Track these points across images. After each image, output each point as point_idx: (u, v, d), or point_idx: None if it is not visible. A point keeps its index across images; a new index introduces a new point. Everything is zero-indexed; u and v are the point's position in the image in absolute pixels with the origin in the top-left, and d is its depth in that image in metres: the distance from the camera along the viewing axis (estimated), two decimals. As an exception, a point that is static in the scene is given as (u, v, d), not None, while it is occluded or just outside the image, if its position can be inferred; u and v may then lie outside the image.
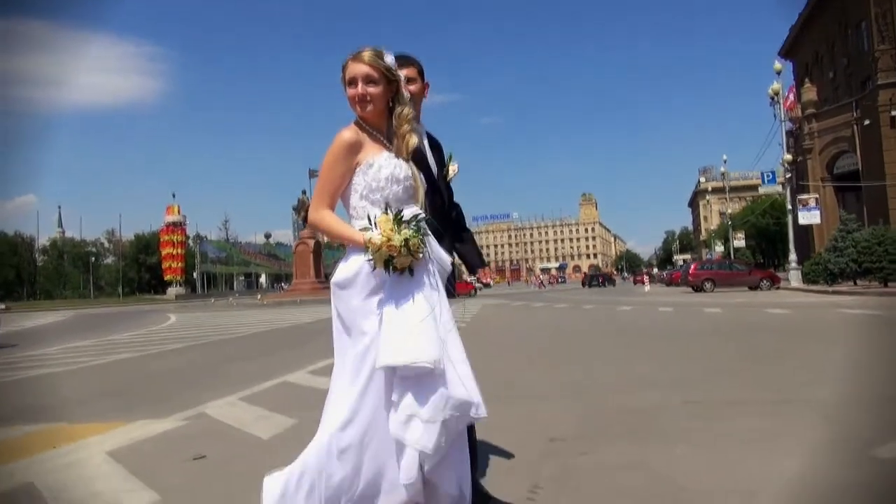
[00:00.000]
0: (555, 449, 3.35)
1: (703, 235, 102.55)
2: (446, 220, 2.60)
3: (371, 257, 2.05)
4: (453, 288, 3.05)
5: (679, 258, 78.89)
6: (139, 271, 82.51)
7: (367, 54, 2.17)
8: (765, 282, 27.75)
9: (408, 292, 2.06)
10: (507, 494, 2.62)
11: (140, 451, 3.69)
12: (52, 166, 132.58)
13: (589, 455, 3.19)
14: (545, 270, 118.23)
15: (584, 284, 58.60)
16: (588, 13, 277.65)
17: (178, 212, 70.92)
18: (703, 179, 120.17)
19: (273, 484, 2.10)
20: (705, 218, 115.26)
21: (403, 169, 2.20)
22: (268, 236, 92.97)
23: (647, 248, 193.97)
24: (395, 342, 1.98)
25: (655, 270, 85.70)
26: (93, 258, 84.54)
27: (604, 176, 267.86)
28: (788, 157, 29.84)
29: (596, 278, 60.56)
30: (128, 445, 3.81)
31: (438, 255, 2.24)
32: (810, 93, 34.56)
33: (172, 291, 65.61)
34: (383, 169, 2.16)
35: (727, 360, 6.68)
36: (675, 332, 10.51)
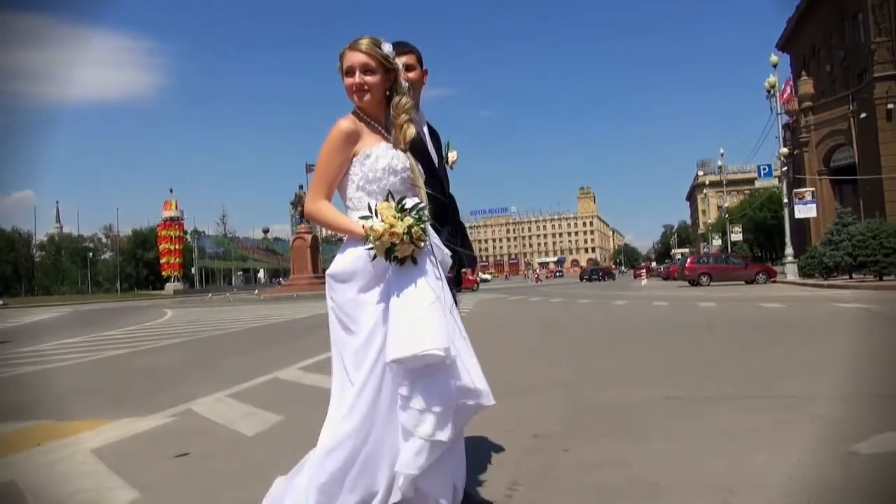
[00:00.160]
0: (538, 445, 3.36)
1: (702, 229, 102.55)
2: (445, 211, 2.56)
3: (371, 246, 2.00)
4: (459, 281, 3.00)
5: (677, 252, 78.74)
6: (137, 267, 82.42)
7: (364, 43, 2.14)
8: (761, 275, 27.86)
9: (411, 280, 2.01)
10: (486, 491, 2.63)
11: (124, 449, 3.69)
12: (50, 162, 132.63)
13: (570, 452, 3.20)
14: (543, 265, 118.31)
15: (581, 278, 57.56)
16: (586, 7, 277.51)
17: (176, 207, 70.80)
18: (701, 173, 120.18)
19: (279, 481, 2.21)
20: (703, 211, 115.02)
21: (401, 160, 2.17)
22: (266, 231, 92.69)
23: (645, 242, 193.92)
24: (402, 333, 1.94)
25: (654, 264, 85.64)
26: (90, 254, 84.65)
27: (602, 170, 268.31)
28: (785, 150, 29.84)
29: (595, 272, 58.60)
30: (113, 443, 3.81)
31: (439, 247, 2.20)
32: (807, 86, 34.55)
33: (170, 287, 65.50)
34: (380, 159, 2.13)
35: (715, 355, 6.70)
36: (668, 326, 10.54)
